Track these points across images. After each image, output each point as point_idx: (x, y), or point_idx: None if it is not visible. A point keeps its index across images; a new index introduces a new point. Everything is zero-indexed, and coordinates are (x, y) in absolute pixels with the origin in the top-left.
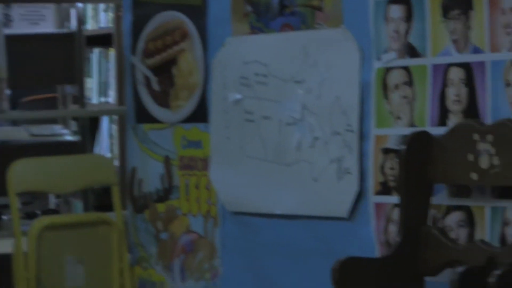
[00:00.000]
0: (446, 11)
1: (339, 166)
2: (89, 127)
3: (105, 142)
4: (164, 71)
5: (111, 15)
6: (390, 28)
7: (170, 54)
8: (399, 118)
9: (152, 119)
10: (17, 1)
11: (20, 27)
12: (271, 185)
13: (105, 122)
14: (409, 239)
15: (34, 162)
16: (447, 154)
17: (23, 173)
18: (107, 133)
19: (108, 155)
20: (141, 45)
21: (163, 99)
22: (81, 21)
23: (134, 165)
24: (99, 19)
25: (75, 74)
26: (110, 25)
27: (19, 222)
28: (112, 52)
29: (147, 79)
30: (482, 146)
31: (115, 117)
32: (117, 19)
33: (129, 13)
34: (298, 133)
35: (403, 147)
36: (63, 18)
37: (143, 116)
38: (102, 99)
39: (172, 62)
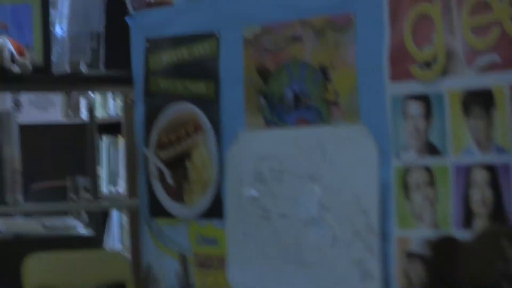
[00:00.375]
0: (467, 108)
1: (361, 269)
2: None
3: (116, 234)
4: (178, 164)
5: (120, 103)
6: (409, 125)
7: (184, 147)
8: (421, 219)
9: (166, 214)
10: (27, 89)
11: (29, 113)
12: (290, 286)
13: (115, 212)
14: None
15: (49, 257)
16: (475, 261)
17: (38, 269)
18: (117, 224)
19: (119, 247)
20: (154, 137)
21: (177, 194)
22: (93, 111)
23: (149, 261)
24: (108, 107)
25: (87, 165)
26: (119, 113)
27: None
28: (121, 141)
29: (160, 172)
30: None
31: None
32: (127, 108)
33: (141, 104)
34: (317, 233)
35: (429, 253)
36: (73, 104)
37: (157, 210)
38: (112, 189)
39: (185, 155)
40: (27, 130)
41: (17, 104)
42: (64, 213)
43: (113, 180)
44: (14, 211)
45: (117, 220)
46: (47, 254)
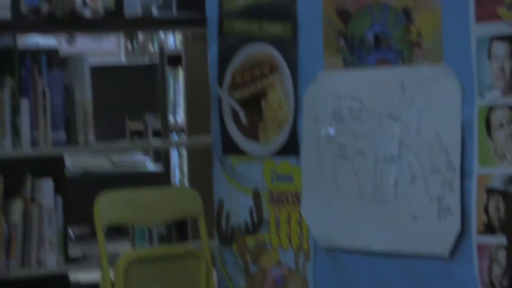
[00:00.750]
0: None
1: (440, 205)
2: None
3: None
4: (253, 104)
5: (180, 36)
6: (494, 66)
7: (259, 87)
8: (504, 157)
9: (240, 152)
10: (99, 32)
11: (83, 44)
12: (366, 223)
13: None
14: None
15: (121, 194)
16: None
17: (110, 206)
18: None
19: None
20: (228, 77)
21: (251, 132)
22: (164, 52)
23: (221, 197)
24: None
25: (158, 105)
26: (179, 47)
27: (106, 255)
28: (181, 72)
29: (234, 112)
30: None
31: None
32: (187, 42)
33: (215, 44)
34: (396, 170)
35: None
36: (141, 44)
37: (231, 148)
38: (171, 118)
39: (260, 95)
40: (98, 72)
41: (72, 36)
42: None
43: (173, 110)
44: (86, 150)
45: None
46: (118, 192)
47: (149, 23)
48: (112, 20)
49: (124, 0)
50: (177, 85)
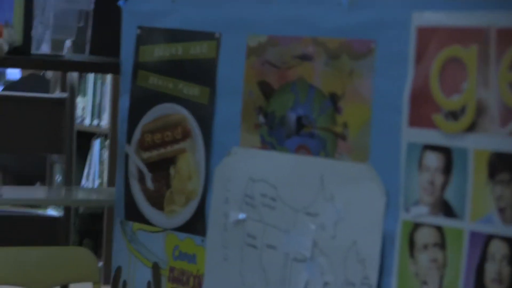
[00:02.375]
0: (493, 171)
1: None
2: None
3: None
4: (161, 169)
5: None
6: (423, 178)
7: (169, 152)
8: (425, 283)
9: (143, 219)
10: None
11: None
12: None
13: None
14: None
15: (11, 252)
16: None
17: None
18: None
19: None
20: (137, 134)
21: (157, 200)
22: (74, 90)
23: (120, 264)
24: None
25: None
26: None
27: None
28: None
29: (140, 174)
30: None
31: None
32: None
33: (127, 96)
34: (307, 273)
35: None
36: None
37: (133, 213)
38: (95, 121)
39: (170, 161)
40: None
41: None
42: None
43: (97, 113)
44: None
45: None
46: (9, 250)
47: (58, 64)
48: (17, 58)
49: (33, 36)
50: (103, 87)
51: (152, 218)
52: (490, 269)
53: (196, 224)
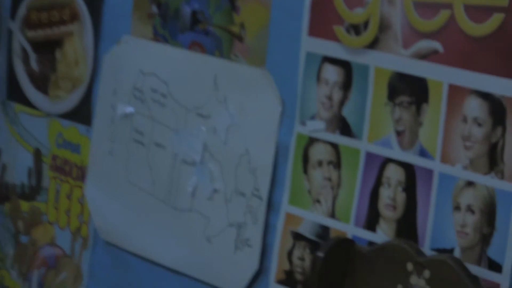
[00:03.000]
0: (393, 93)
1: (239, 234)
2: None
3: None
4: (46, 50)
5: None
6: (321, 92)
7: (56, 33)
8: (318, 202)
9: (25, 101)
10: None
11: None
12: (156, 228)
13: None
14: None
15: None
16: (372, 277)
17: None
18: None
19: None
20: (22, 10)
21: (41, 83)
22: None
23: (0, 146)
24: None
25: None
26: None
27: None
28: None
29: (25, 53)
30: (415, 281)
31: None
32: None
33: None
34: (196, 178)
35: (320, 254)
36: None
37: (16, 94)
38: None
39: (56, 43)
40: None
41: None
42: None
43: None
44: None
45: None
46: None
47: None
48: None
49: None
50: None
51: (36, 101)
52: (385, 194)
53: (81, 113)
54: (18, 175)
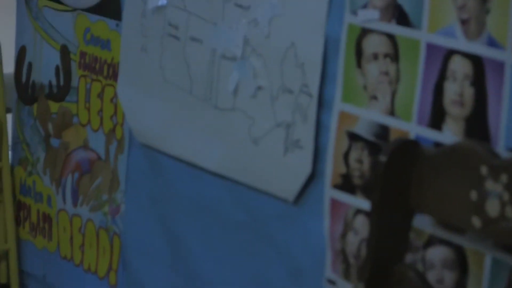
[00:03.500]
0: None
1: (288, 134)
2: None
3: None
4: None
5: None
6: None
7: None
8: (375, 98)
9: None
10: None
11: None
12: (195, 129)
13: None
14: (377, 278)
15: None
16: (441, 182)
17: None
18: None
19: None
20: None
21: None
22: None
23: (24, 43)
24: None
25: None
26: None
27: None
28: None
29: None
30: (491, 186)
31: None
32: None
33: None
34: (237, 74)
35: (382, 157)
36: None
37: None
38: None
39: None
40: None
41: None
42: None
43: None
44: None
45: None
46: None
47: None
48: None
49: None
50: None
51: None
52: (450, 89)
53: (109, 6)
54: (45, 74)
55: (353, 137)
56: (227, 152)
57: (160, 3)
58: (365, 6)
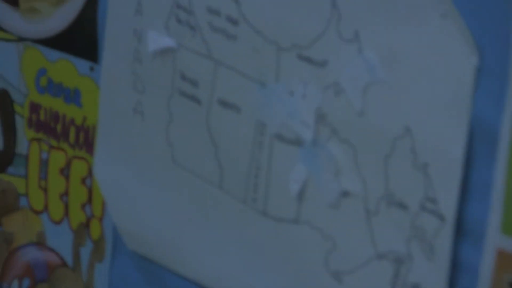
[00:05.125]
0: None
1: (398, 274)
2: None
3: None
4: None
5: None
6: None
7: None
8: None
9: None
10: None
11: None
12: (222, 239)
13: None
14: None
15: None
16: None
17: None
18: None
19: None
20: None
21: None
22: None
23: None
24: None
25: None
26: None
27: None
28: None
29: None
30: None
31: None
32: None
33: None
34: (304, 166)
35: None
36: None
37: None
38: None
39: None
40: None
41: None
42: None
43: None
44: None
45: None
46: None
47: None
48: None
49: None
50: None
51: (3, 18)
52: None
53: (79, 38)
54: None
55: None
56: (280, 281)
57: (167, 43)
58: None
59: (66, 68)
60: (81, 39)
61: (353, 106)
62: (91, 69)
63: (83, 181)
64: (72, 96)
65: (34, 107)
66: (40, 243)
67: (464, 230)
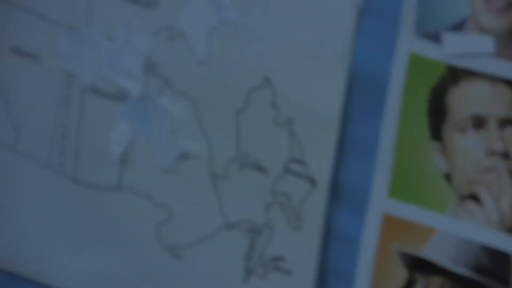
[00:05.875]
0: None
1: (253, 246)
2: None
3: None
4: None
5: None
6: None
7: None
8: (473, 198)
9: None
10: None
11: None
12: (31, 217)
13: None
14: None
15: None
16: None
17: None
18: None
19: None
20: None
21: None
22: None
23: None
24: None
25: None
26: None
27: None
28: None
29: None
30: None
31: None
32: None
33: None
34: (128, 124)
35: None
36: None
37: None
38: None
39: None
40: None
41: None
42: None
43: None
44: None
45: None
46: None
47: None
48: None
49: None
50: None
51: None
52: None
53: None
54: None
55: (419, 266)
56: (101, 268)
57: None
58: (458, 27)
59: None
60: None
61: (194, 53)
62: None
63: None
64: None
65: None
66: None
67: (340, 195)
